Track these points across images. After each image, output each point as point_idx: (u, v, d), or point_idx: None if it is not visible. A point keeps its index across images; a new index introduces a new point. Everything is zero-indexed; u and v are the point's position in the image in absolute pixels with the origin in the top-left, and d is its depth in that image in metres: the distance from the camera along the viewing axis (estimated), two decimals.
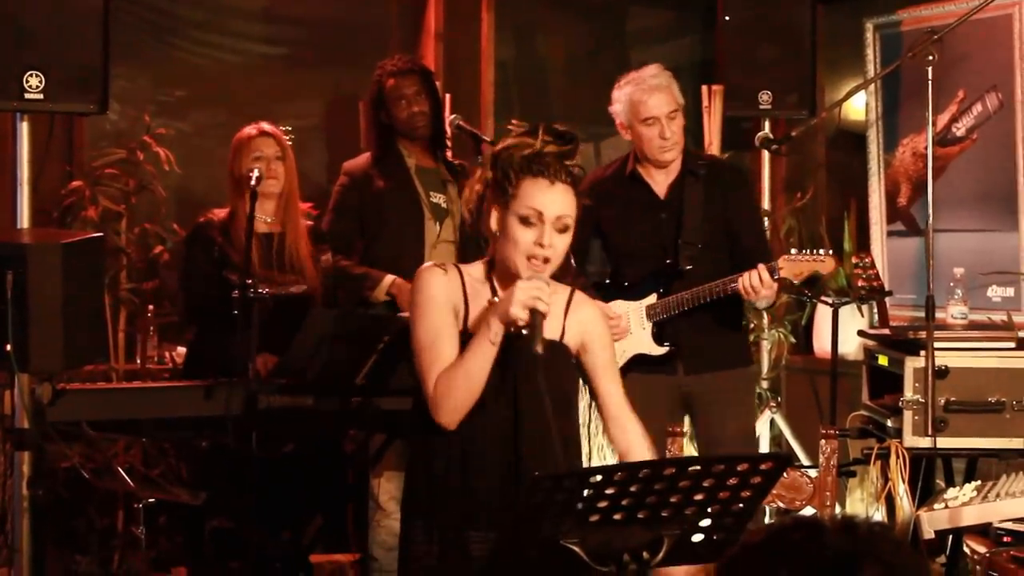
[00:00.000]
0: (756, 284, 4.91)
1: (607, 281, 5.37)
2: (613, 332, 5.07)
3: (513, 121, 3.51)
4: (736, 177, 5.54)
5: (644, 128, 5.21)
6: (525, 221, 3.41)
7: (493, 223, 3.48)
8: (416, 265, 5.35)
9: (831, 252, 5.02)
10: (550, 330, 3.46)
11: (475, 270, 3.57)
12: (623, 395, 3.69)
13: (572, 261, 5.37)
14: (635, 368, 5.24)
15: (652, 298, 5.24)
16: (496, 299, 3.48)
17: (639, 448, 3.63)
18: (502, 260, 3.49)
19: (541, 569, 3.00)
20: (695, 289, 5.13)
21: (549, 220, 3.41)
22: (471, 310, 3.50)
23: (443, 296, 3.50)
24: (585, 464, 5.37)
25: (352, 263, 5.60)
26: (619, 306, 5.25)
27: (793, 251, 4.98)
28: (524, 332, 3.35)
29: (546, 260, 3.42)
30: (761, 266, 4.92)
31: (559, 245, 3.43)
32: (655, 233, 5.28)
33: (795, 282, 5.00)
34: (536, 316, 3.32)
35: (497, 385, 3.45)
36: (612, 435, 3.68)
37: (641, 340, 5.24)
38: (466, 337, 3.46)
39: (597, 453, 6.28)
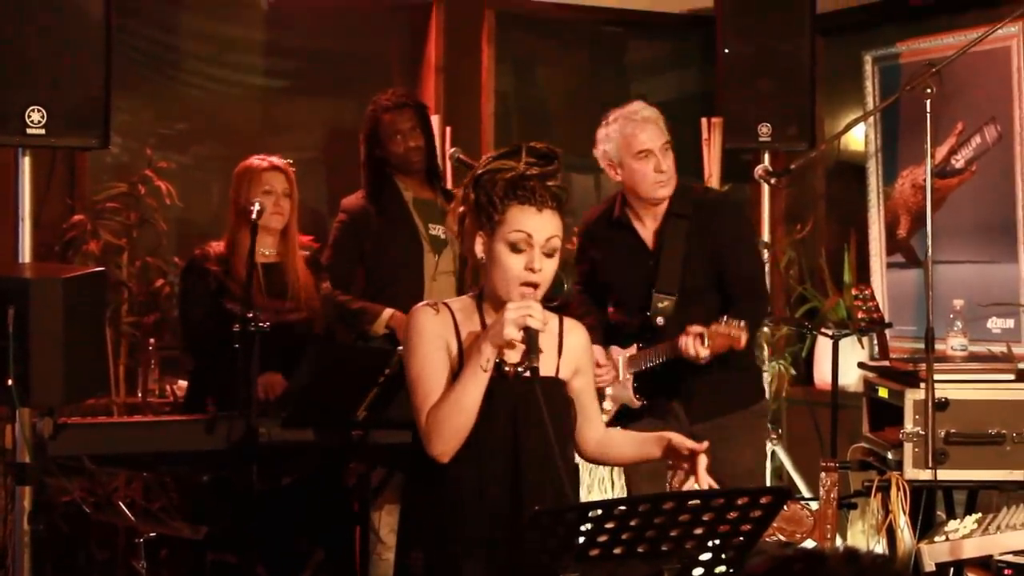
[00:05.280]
0: (690, 352, 4.76)
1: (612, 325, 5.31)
2: (600, 378, 4.99)
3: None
4: (725, 208, 5.32)
5: (637, 163, 5.03)
6: (514, 247, 3.42)
7: (479, 250, 3.49)
8: (416, 298, 5.42)
9: (743, 324, 4.70)
10: (546, 367, 3.46)
11: (464, 304, 3.57)
12: (599, 409, 3.83)
13: (565, 286, 5.35)
14: (627, 418, 5.14)
15: (633, 349, 5.12)
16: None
17: (615, 431, 3.84)
18: (490, 287, 3.50)
19: None
20: (658, 347, 4.98)
21: (538, 244, 3.42)
22: (464, 345, 3.50)
23: (434, 333, 3.50)
24: (585, 497, 5.38)
25: (351, 298, 5.62)
26: (614, 352, 5.19)
27: (724, 318, 4.70)
28: (522, 368, 3.37)
29: (536, 285, 3.43)
30: (695, 337, 4.73)
31: (548, 269, 3.45)
32: (640, 281, 5.09)
33: (717, 353, 4.76)
34: (531, 333, 3.34)
35: (493, 417, 3.44)
36: (584, 436, 3.71)
37: (624, 390, 5.14)
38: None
39: (599, 486, 6.29)
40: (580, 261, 5.40)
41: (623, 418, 5.15)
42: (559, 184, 3.49)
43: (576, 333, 3.66)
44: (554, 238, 3.44)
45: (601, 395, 5.09)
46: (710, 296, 5.06)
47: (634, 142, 5.04)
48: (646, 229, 5.14)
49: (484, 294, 3.54)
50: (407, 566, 3.55)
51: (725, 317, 4.71)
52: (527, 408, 3.41)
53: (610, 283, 5.25)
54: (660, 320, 5.03)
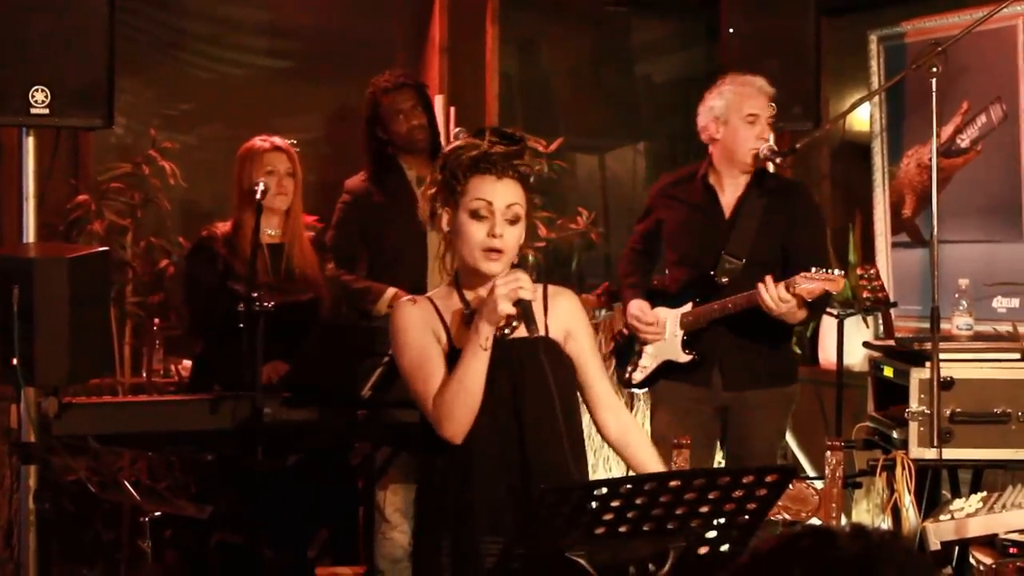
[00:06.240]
0: (774, 298, 4.91)
1: (659, 287, 5.44)
2: (647, 335, 5.17)
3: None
4: (802, 194, 5.51)
5: (743, 125, 5.25)
6: (475, 215, 3.45)
7: (444, 224, 3.53)
8: (420, 277, 5.43)
9: (843, 272, 4.99)
10: None
11: (441, 291, 3.62)
12: (608, 380, 3.75)
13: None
14: (666, 376, 5.33)
15: (688, 307, 5.27)
16: (467, 310, 3.52)
17: (636, 429, 3.73)
18: (461, 262, 3.54)
19: None
20: (723, 300, 5.15)
21: (499, 210, 3.44)
22: (452, 329, 3.52)
23: (419, 322, 3.53)
24: (591, 474, 5.40)
25: (354, 277, 5.62)
26: (661, 312, 5.29)
27: (813, 269, 4.93)
28: (508, 330, 3.39)
29: (499, 251, 3.45)
30: (779, 283, 4.91)
31: (510, 237, 3.47)
32: (710, 243, 5.27)
33: (808, 299, 4.95)
34: (524, 304, 3.36)
35: (498, 393, 3.46)
36: (602, 420, 3.69)
37: (672, 346, 5.29)
38: (455, 355, 3.47)
39: (603, 465, 6.29)
40: (643, 219, 5.58)
41: (664, 375, 5.33)
42: (526, 164, 3.51)
43: (562, 297, 3.68)
44: (515, 205, 3.46)
45: (640, 352, 5.21)
46: (775, 269, 5.14)
47: (746, 104, 5.27)
48: (726, 196, 5.33)
49: (459, 274, 3.58)
50: (426, 545, 3.56)
51: (814, 268, 4.90)
52: (527, 368, 3.45)
53: (679, 241, 5.40)
54: (725, 279, 5.19)
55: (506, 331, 3.42)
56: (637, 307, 5.34)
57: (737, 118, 5.26)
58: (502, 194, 3.45)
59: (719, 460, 5.50)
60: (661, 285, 5.47)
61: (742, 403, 5.24)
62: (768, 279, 4.93)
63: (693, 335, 5.26)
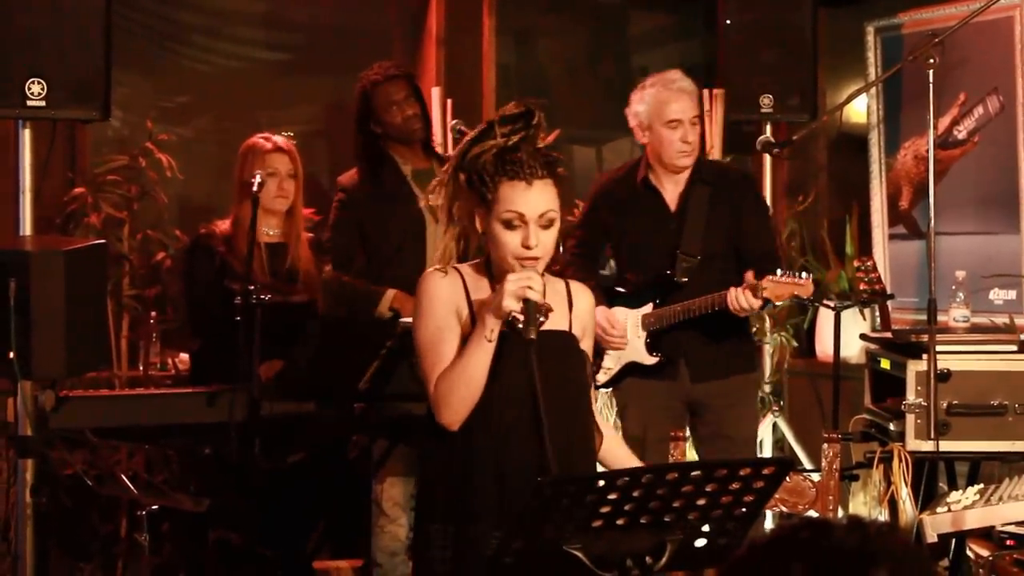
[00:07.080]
0: (741, 303, 4.91)
1: (617, 288, 5.40)
2: (615, 343, 5.15)
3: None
4: (746, 184, 5.52)
5: (666, 130, 5.20)
6: (508, 225, 3.40)
7: (478, 225, 3.47)
8: (420, 272, 5.40)
9: (811, 276, 4.98)
10: (559, 322, 3.49)
11: (474, 270, 3.56)
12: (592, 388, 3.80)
13: (561, 248, 5.49)
14: (631, 375, 5.31)
15: (649, 307, 5.25)
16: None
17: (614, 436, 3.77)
18: (495, 260, 3.50)
19: (545, 572, 3.00)
20: (687, 302, 5.14)
21: (532, 219, 3.39)
22: (475, 308, 3.48)
23: (444, 298, 3.49)
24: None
25: (352, 280, 5.58)
26: (620, 313, 5.26)
27: (779, 272, 4.92)
28: (519, 325, 3.35)
29: (535, 259, 3.41)
30: (746, 289, 4.90)
31: (546, 241, 3.43)
32: (662, 243, 5.26)
33: (776, 304, 4.97)
34: (530, 305, 3.31)
35: (502, 384, 3.44)
36: (608, 464, 3.72)
37: (635, 348, 5.26)
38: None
39: None
40: (584, 225, 5.52)
41: (630, 373, 5.32)
42: (549, 145, 3.47)
43: (584, 296, 3.68)
44: (549, 212, 3.41)
45: (602, 353, 5.21)
46: (729, 260, 5.22)
47: (666, 110, 5.20)
48: (668, 193, 5.31)
49: (491, 262, 3.53)
50: (425, 535, 3.54)
51: (779, 271, 4.91)
52: (528, 367, 3.39)
53: (628, 244, 5.38)
54: (684, 279, 5.18)
55: (518, 327, 3.38)
56: (603, 316, 5.22)
57: (659, 124, 5.21)
58: (534, 203, 3.39)
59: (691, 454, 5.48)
60: (629, 280, 5.43)
61: (712, 394, 5.26)
62: (732, 289, 4.93)
63: (654, 335, 5.25)
